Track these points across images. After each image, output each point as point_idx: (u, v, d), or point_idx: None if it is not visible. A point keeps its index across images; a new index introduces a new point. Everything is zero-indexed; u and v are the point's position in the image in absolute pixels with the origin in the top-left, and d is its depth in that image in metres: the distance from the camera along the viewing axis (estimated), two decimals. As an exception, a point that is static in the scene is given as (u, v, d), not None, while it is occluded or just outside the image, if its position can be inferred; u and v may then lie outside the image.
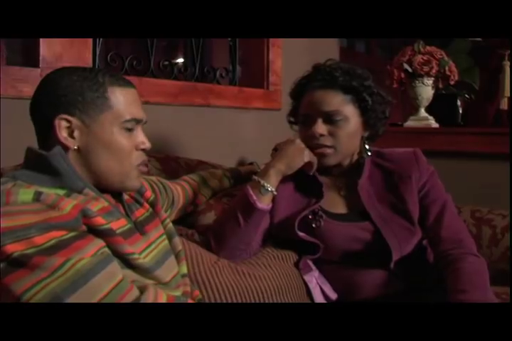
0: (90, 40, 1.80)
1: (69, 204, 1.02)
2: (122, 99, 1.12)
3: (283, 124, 2.60)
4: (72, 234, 0.99)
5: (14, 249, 0.93)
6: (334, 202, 1.69)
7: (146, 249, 1.18)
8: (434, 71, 2.58)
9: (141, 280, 1.11)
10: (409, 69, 2.60)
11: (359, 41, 4.18)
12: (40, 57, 1.64)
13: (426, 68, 2.57)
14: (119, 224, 1.12)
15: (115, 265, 1.03)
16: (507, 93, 2.65)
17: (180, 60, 3.44)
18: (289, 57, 2.64)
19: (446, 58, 2.60)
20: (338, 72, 1.61)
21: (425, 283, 1.62)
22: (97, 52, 1.90)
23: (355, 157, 1.70)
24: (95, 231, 1.04)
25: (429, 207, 1.66)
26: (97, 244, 1.02)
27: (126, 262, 1.09)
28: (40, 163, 1.08)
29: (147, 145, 1.17)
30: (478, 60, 3.02)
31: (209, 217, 1.68)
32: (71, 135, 1.10)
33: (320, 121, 1.58)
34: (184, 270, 1.31)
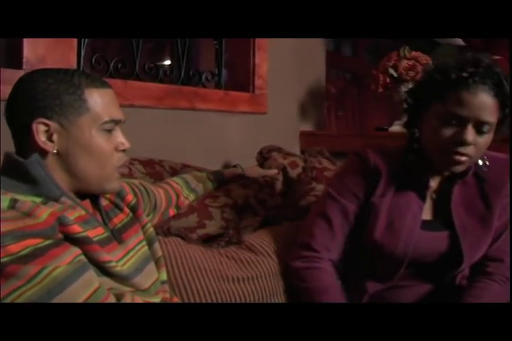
0: (75, 42, 1.79)
1: (45, 212, 1.01)
2: (99, 101, 1.11)
3: (269, 128, 2.61)
4: (47, 241, 0.98)
5: None
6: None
7: (124, 257, 1.17)
8: (419, 76, 2.59)
9: (118, 287, 1.11)
10: (395, 74, 2.61)
11: (345, 45, 4.18)
12: (24, 59, 1.63)
13: (411, 73, 2.57)
14: (96, 233, 1.11)
15: (91, 273, 1.03)
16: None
17: (167, 63, 3.43)
18: (275, 61, 2.64)
19: (431, 63, 2.61)
20: (507, 79, 1.42)
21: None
22: (82, 54, 1.88)
23: None
24: (71, 239, 1.04)
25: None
26: (73, 252, 1.02)
27: (103, 270, 1.08)
28: (17, 170, 1.07)
29: (126, 145, 1.17)
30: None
31: (191, 220, 1.68)
32: (50, 139, 1.09)
33: (471, 127, 1.41)
34: (164, 276, 1.31)
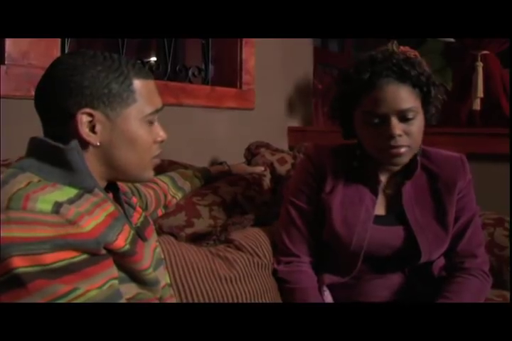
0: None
1: (90, 224, 0.94)
2: (145, 92, 1.06)
3: (256, 124, 2.59)
4: (84, 256, 0.92)
5: (19, 264, 0.86)
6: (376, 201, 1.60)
7: (148, 257, 1.12)
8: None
9: (143, 292, 1.08)
10: (383, 70, 2.59)
11: (333, 41, 4.17)
12: (6, 54, 1.59)
13: (399, 68, 2.56)
14: (126, 234, 1.04)
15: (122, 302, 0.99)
16: (480, 94, 2.65)
17: (153, 59, 3.40)
18: (263, 56, 2.62)
19: (419, 58, 2.59)
20: (407, 65, 1.46)
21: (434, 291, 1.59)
22: (66, 50, 1.85)
23: None
24: (116, 254, 0.99)
25: (456, 216, 1.60)
26: (109, 274, 0.96)
27: (136, 277, 1.05)
28: (54, 156, 0.99)
29: (164, 137, 1.13)
30: (451, 61, 3.04)
31: (179, 218, 1.66)
32: (92, 130, 1.01)
33: (395, 119, 1.44)
34: (167, 279, 1.27)
